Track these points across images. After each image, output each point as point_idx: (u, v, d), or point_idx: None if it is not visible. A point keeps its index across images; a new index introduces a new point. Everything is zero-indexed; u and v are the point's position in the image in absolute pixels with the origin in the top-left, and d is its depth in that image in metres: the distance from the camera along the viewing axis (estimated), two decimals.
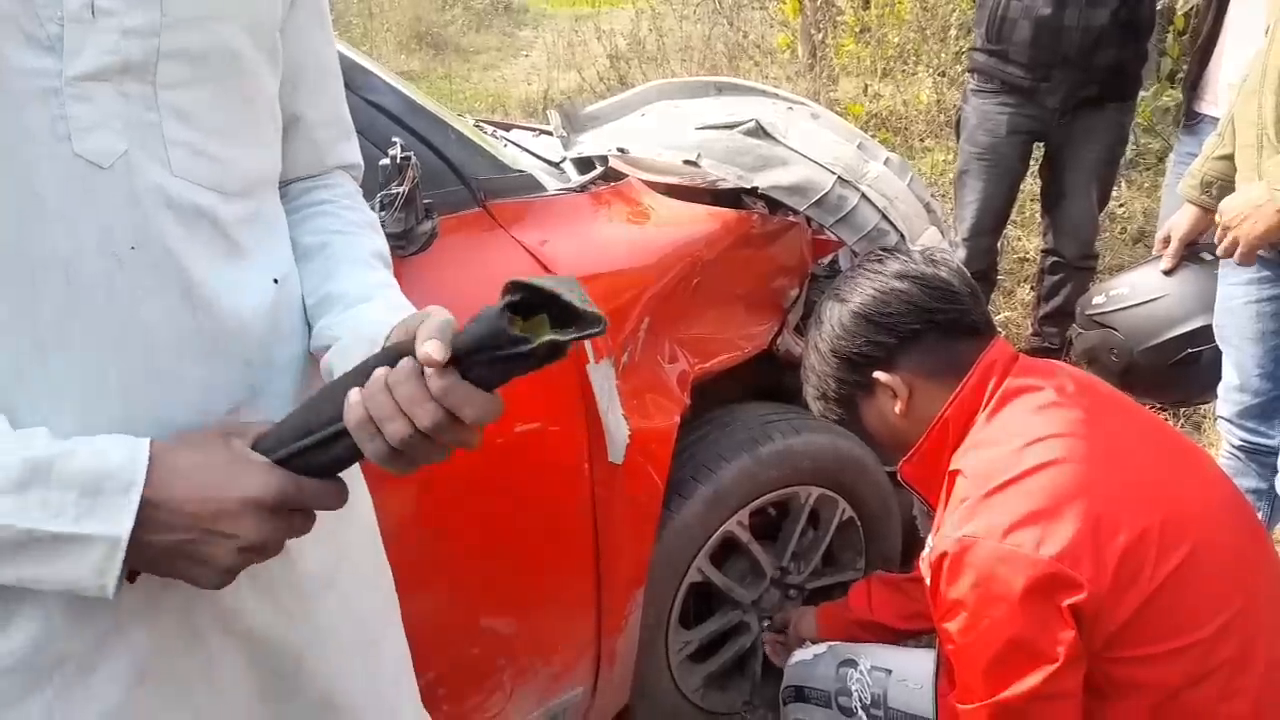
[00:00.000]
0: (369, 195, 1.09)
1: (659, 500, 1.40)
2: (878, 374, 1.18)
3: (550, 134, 1.86)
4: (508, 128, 1.99)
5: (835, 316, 1.22)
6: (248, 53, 0.67)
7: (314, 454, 0.61)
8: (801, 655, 1.49)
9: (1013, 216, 3.73)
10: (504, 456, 1.22)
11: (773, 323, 1.69)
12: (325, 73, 0.82)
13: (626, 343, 1.38)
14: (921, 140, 4.68)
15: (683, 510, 1.53)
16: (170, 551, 0.58)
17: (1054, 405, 1.10)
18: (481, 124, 1.87)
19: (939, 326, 1.17)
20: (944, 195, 3.72)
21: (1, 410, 0.58)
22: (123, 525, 0.55)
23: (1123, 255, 3.51)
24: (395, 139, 1.07)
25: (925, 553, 1.12)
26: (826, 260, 1.83)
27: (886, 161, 1.57)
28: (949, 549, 1.01)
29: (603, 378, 1.32)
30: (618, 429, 1.33)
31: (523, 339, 0.55)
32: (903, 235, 1.52)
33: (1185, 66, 3.86)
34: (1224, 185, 1.77)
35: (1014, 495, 1.01)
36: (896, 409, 1.18)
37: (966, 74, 2.76)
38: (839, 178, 1.50)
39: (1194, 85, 2.36)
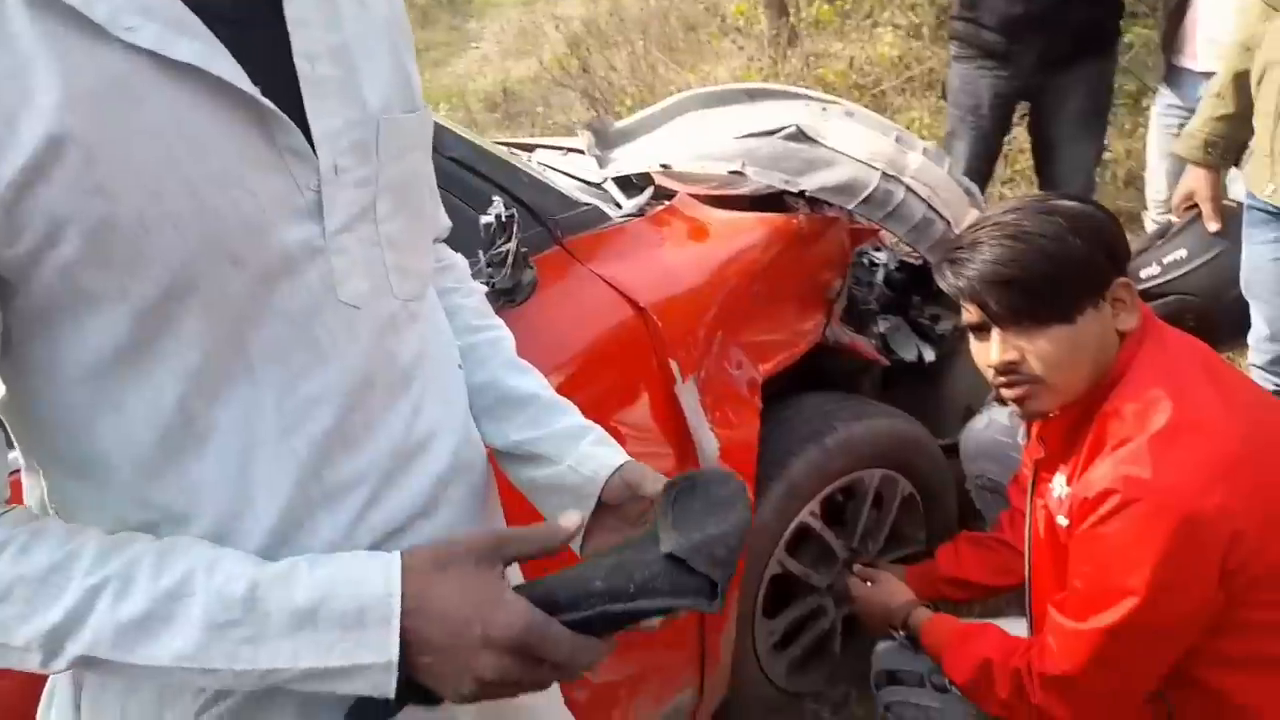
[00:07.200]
0: (471, 253, 1.12)
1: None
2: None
3: (578, 151, 1.88)
4: (531, 148, 2.00)
5: None
6: (424, 170, 0.72)
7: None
8: (889, 643, 1.55)
9: (1010, 175, 3.83)
10: None
11: (821, 316, 1.74)
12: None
13: (703, 358, 1.42)
14: (893, 97, 4.73)
15: (761, 508, 1.58)
16: (419, 668, 0.61)
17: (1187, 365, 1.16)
18: (513, 150, 1.88)
19: None
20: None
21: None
22: (391, 651, 0.59)
23: (1117, 200, 3.57)
24: (495, 197, 1.10)
25: (1059, 494, 1.17)
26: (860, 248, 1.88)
27: (925, 151, 1.61)
28: (1116, 487, 1.06)
29: (690, 396, 1.37)
30: (708, 444, 1.38)
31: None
32: (949, 222, 1.58)
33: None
34: (1226, 145, 1.85)
35: (1177, 441, 1.06)
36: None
37: (949, 41, 2.81)
38: (883, 173, 1.54)
39: (1171, 40, 2.44)
